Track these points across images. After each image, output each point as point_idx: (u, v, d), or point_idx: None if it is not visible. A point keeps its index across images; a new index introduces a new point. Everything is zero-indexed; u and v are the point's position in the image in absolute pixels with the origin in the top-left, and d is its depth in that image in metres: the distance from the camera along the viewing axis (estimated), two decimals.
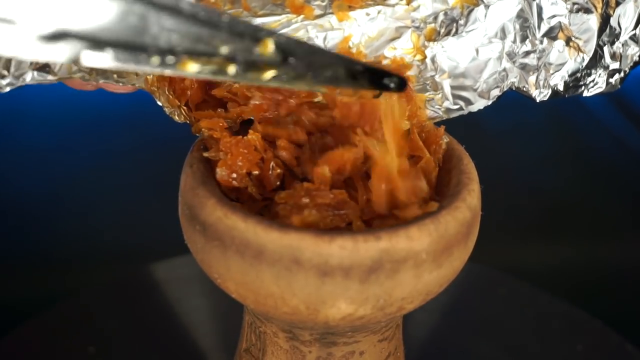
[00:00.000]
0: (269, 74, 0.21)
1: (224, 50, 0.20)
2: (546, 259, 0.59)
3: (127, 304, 0.48)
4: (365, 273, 0.23)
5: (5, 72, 0.26)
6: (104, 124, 0.72)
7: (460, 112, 0.31)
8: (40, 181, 0.64)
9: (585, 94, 0.31)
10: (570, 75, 0.31)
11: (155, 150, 0.67)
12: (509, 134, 0.74)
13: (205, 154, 0.27)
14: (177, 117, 0.29)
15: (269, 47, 0.21)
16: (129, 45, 0.18)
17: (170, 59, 0.19)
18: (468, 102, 0.31)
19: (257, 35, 0.21)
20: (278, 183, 0.27)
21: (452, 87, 0.31)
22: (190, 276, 0.48)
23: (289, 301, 0.24)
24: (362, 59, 0.30)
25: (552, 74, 0.31)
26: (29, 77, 0.27)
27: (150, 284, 0.49)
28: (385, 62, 0.31)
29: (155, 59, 0.18)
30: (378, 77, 0.25)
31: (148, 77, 0.28)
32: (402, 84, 0.25)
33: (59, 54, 0.17)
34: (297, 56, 0.22)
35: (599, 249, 0.60)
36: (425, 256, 0.24)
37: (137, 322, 0.47)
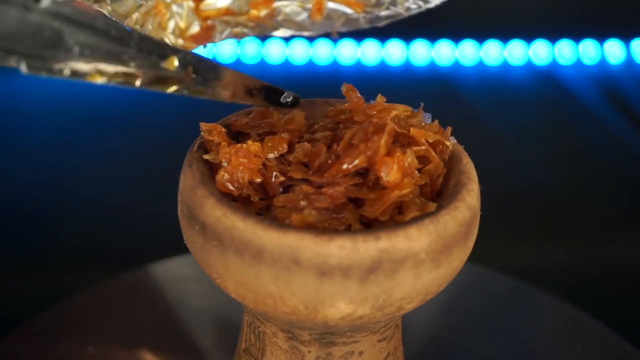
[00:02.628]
0: (172, 88, 0.24)
1: (132, 65, 0.22)
2: (546, 258, 0.59)
3: (127, 304, 0.47)
4: (365, 273, 0.23)
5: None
6: (104, 123, 0.72)
7: (419, 10, 0.32)
8: (40, 181, 0.64)
9: None
10: None
11: (155, 150, 0.67)
12: (508, 134, 0.74)
13: (206, 157, 0.27)
14: None
15: (174, 63, 0.24)
16: (43, 56, 0.20)
17: (82, 71, 0.21)
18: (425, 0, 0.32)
19: (164, 52, 0.23)
20: (281, 190, 0.27)
21: None
22: (190, 276, 0.48)
23: (288, 301, 0.24)
24: None
25: None
26: None
27: (150, 284, 0.49)
28: None
29: (67, 71, 0.21)
30: (275, 95, 0.28)
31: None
32: (296, 102, 0.28)
33: None
34: (200, 72, 0.25)
35: (598, 248, 0.60)
36: (425, 256, 0.24)
37: (137, 322, 0.47)
